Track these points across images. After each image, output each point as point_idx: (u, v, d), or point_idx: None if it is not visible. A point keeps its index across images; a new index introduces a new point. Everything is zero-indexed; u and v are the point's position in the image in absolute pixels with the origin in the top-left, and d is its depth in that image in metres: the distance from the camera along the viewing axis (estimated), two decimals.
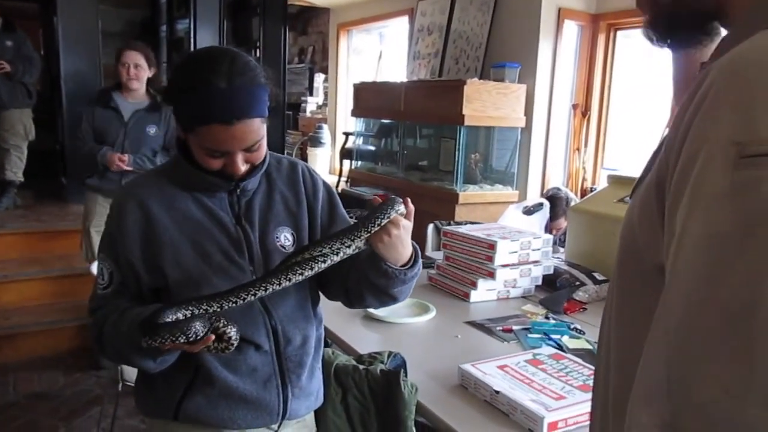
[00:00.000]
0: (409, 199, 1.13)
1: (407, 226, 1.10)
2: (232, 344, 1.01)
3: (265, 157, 1.17)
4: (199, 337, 0.96)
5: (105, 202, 3.02)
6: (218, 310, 1.01)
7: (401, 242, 1.10)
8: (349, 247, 1.07)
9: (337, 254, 1.07)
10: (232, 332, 1.01)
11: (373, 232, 1.07)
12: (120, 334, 1.06)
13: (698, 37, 0.65)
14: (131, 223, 1.11)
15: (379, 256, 1.10)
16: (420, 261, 1.17)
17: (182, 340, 0.95)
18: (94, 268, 2.12)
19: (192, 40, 5.02)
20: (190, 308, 1.00)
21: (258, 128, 1.08)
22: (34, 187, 4.98)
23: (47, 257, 3.93)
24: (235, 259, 1.14)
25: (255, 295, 1.03)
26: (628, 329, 0.62)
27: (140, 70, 3.09)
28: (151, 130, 3.10)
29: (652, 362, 0.50)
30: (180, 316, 0.99)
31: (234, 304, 1.02)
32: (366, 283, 1.16)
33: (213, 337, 0.98)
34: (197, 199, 1.15)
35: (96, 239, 2.96)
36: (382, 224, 1.07)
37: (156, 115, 3.14)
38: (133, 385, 2.16)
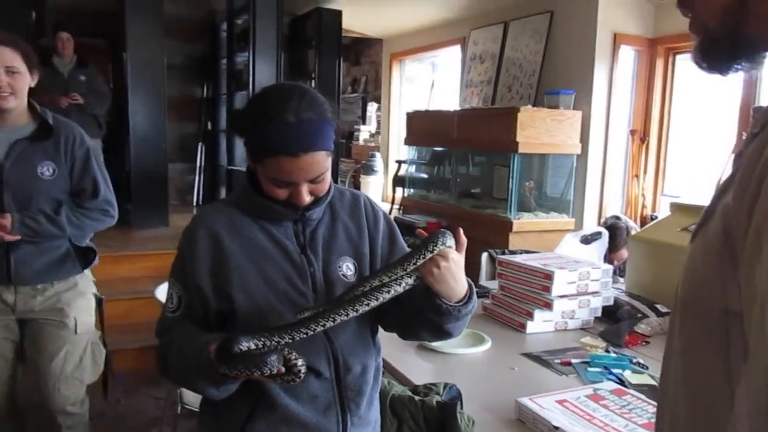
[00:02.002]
0: (461, 231, 1.13)
1: (456, 258, 1.10)
2: (300, 377, 1.03)
3: (329, 189, 1.20)
4: (273, 371, 0.98)
5: None
6: (289, 341, 1.03)
7: (452, 276, 1.10)
8: (402, 278, 1.08)
9: (399, 284, 1.08)
10: (301, 365, 1.03)
11: (418, 264, 1.08)
12: (187, 358, 1.09)
13: (747, 65, 0.63)
14: (201, 249, 1.16)
15: (433, 291, 1.11)
16: (474, 298, 1.17)
17: (257, 374, 0.98)
18: (159, 292, 2.20)
19: (251, 72, 5.19)
20: (262, 339, 1.02)
21: (323, 161, 1.12)
22: None
23: (112, 280, 4.07)
24: (298, 287, 1.17)
25: (324, 326, 1.05)
26: (694, 372, 0.60)
27: (17, 78, 1.91)
28: (45, 169, 1.99)
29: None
30: (252, 345, 1.01)
31: (304, 335, 1.04)
32: (420, 317, 1.16)
33: (284, 369, 1.00)
34: (263, 228, 1.19)
35: None
36: (427, 257, 1.08)
37: (50, 144, 2.01)
38: (191, 408, 2.21)
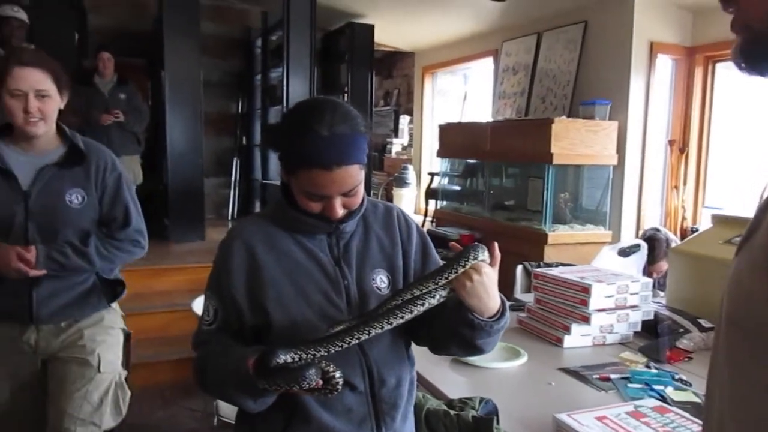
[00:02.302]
0: (496, 245, 1.12)
1: (490, 273, 1.09)
2: (338, 389, 1.03)
3: (362, 201, 1.21)
4: (312, 385, 0.99)
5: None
6: (325, 354, 1.04)
7: (485, 290, 1.09)
8: (436, 291, 1.08)
9: (433, 296, 1.07)
10: (339, 377, 1.03)
11: (452, 277, 1.07)
12: (224, 371, 1.09)
13: None
14: (237, 262, 1.17)
15: (465, 306, 1.10)
16: (507, 315, 1.16)
17: (296, 388, 0.98)
18: (196, 305, 2.22)
19: (285, 87, 5.26)
20: (298, 352, 1.03)
21: (356, 174, 1.13)
22: None
23: (150, 293, 4.15)
24: (333, 300, 1.17)
25: (359, 339, 1.05)
26: (741, 389, 0.58)
27: (47, 102, 1.77)
28: (74, 197, 1.83)
29: None
30: (289, 359, 1.02)
31: (340, 348, 1.05)
32: (451, 332, 1.16)
33: (321, 382, 1.01)
34: (298, 241, 1.20)
35: None
36: (460, 271, 1.07)
37: (80, 171, 1.86)
38: (227, 420, 2.22)
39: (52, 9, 4.58)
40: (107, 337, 1.97)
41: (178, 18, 4.90)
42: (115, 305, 2.06)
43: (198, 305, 2.14)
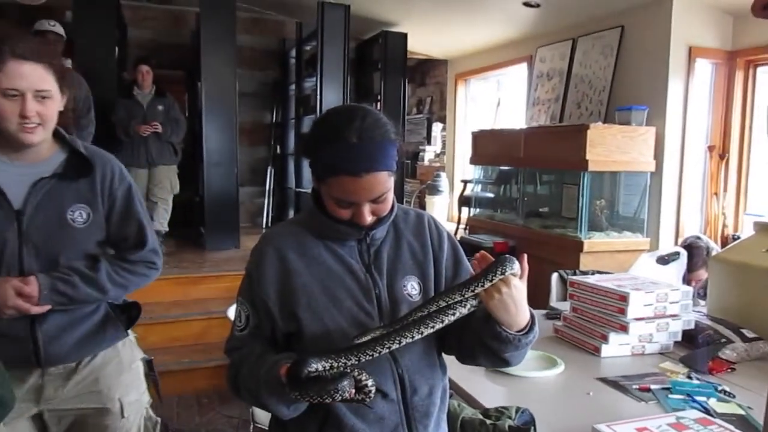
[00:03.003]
0: (525, 257, 1.11)
1: (519, 286, 1.08)
2: (370, 397, 1.03)
3: (392, 208, 1.21)
4: (345, 396, 0.99)
5: None
6: (356, 363, 1.04)
7: (513, 302, 1.08)
8: (467, 300, 1.07)
9: (464, 306, 1.07)
10: (372, 385, 1.03)
11: (482, 288, 1.07)
12: (257, 378, 1.10)
13: None
14: (268, 268, 1.18)
15: (494, 319, 1.09)
16: (536, 329, 1.14)
17: (329, 401, 0.99)
18: (231, 312, 2.25)
19: (318, 97, 5.32)
20: (330, 360, 1.03)
21: (385, 181, 1.13)
22: (176, 236, 5.44)
23: (186, 301, 4.23)
24: (364, 306, 1.17)
25: (390, 348, 1.06)
26: None
27: (48, 105, 1.46)
28: (78, 214, 1.54)
29: None
30: (320, 367, 1.02)
31: (371, 357, 1.05)
32: (479, 343, 1.15)
33: (354, 391, 1.01)
34: (329, 247, 1.21)
35: None
36: (493, 282, 1.07)
37: (83, 182, 1.56)
38: (263, 426, 2.24)
39: (94, 24, 4.73)
40: (127, 376, 1.69)
41: (215, 31, 5.01)
42: (130, 333, 1.76)
43: (233, 312, 2.17)
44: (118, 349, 1.67)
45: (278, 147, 6.91)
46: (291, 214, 6.55)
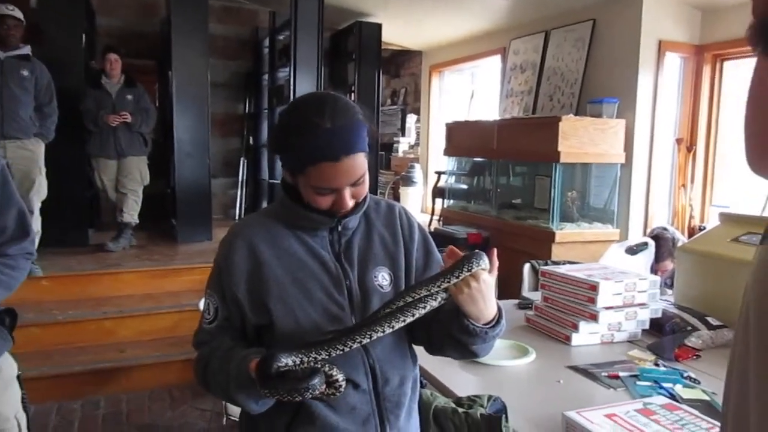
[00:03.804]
0: (495, 252, 1.12)
1: (488, 280, 1.09)
2: (340, 392, 1.03)
3: (365, 197, 1.21)
4: (316, 394, 0.99)
5: None
6: (326, 357, 1.04)
7: (482, 297, 1.09)
8: (438, 294, 1.08)
9: (434, 299, 1.08)
10: (342, 380, 1.03)
11: (453, 283, 1.08)
12: (226, 373, 1.09)
13: None
14: (238, 259, 1.17)
15: (462, 311, 1.10)
16: (503, 322, 1.16)
17: (299, 398, 0.98)
18: (202, 304, 2.23)
19: (292, 87, 5.28)
20: (300, 355, 1.02)
21: (362, 163, 1.13)
22: (147, 228, 5.36)
23: (158, 294, 4.18)
24: (334, 297, 1.17)
25: (360, 342, 1.05)
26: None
27: None
28: None
29: None
30: (290, 362, 1.01)
31: (341, 352, 1.05)
32: (448, 336, 1.16)
33: (324, 387, 1.01)
34: (299, 238, 1.20)
35: None
36: (462, 277, 1.07)
37: None
38: (236, 419, 2.23)
39: (61, 10, 4.61)
40: (12, 391, 1.50)
41: (186, 19, 4.92)
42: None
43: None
44: (1, 362, 1.45)
45: (251, 138, 6.84)
46: (264, 205, 6.50)
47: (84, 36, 4.92)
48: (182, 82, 4.96)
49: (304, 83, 5.23)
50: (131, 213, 4.77)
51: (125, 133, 4.63)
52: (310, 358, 1.03)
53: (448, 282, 1.08)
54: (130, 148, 4.70)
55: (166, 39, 5.23)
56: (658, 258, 3.09)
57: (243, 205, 6.70)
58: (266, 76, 6.43)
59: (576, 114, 4.15)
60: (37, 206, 3.97)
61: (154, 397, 3.46)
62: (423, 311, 1.08)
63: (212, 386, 1.15)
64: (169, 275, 4.29)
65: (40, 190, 3.99)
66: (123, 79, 4.72)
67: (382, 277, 1.22)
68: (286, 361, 1.01)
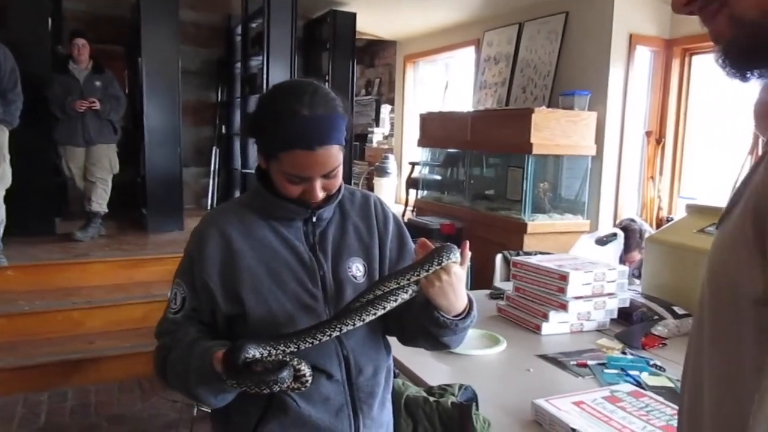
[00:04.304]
0: (467, 245, 1.12)
1: (459, 273, 1.10)
2: (306, 386, 1.03)
3: (339, 188, 1.20)
4: (284, 387, 0.98)
5: None
6: (296, 350, 1.03)
7: (453, 290, 1.09)
8: (409, 286, 1.08)
9: (406, 292, 1.08)
10: (309, 375, 1.02)
11: (425, 275, 1.08)
12: (187, 364, 1.08)
13: None
14: (211, 249, 1.15)
15: (433, 305, 1.10)
16: (474, 314, 1.16)
17: (266, 391, 0.97)
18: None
19: (265, 76, 5.22)
20: (268, 348, 1.01)
21: (336, 155, 1.12)
22: (117, 218, 5.26)
23: (128, 284, 4.12)
24: (308, 287, 1.16)
25: (330, 335, 1.05)
26: (725, 371, 0.59)
27: None
28: None
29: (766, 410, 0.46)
30: (258, 354, 1.00)
31: (311, 344, 1.04)
32: (419, 328, 1.16)
33: (291, 381, 1.00)
34: (274, 228, 1.19)
35: None
36: (432, 270, 1.07)
37: None
38: (207, 410, 2.22)
39: None
40: None
41: (156, 4, 4.83)
42: None
43: None
44: None
45: (224, 127, 6.76)
46: (237, 194, 6.43)
47: (50, 20, 4.79)
48: (152, 69, 4.87)
49: (278, 72, 5.18)
50: (100, 202, 4.68)
51: (94, 120, 4.53)
52: (279, 350, 1.02)
53: (419, 275, 1.08)
54: (99, 135, 4.60)
55: (135, 24, 5.12)
56: (627, 249, 3.15)
57: (215, 195, 6.63)
58: (239, 65, 6.35)
59: (548, 106, 4.19)
60: (1, 194, 3.87)
61: (123, 389, 3.41)
62: (394, 304, 1.08)
63: (170, 377, 1.13)
64: (139, 265, 4.23)
65: (5, 178, 3.89)
66: (91, 65, 4.61)
67: (356, 268, 1.22)
68: (254, 352, 1.00)
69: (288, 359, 1.01)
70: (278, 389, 0.98)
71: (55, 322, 3.66)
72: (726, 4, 0.57)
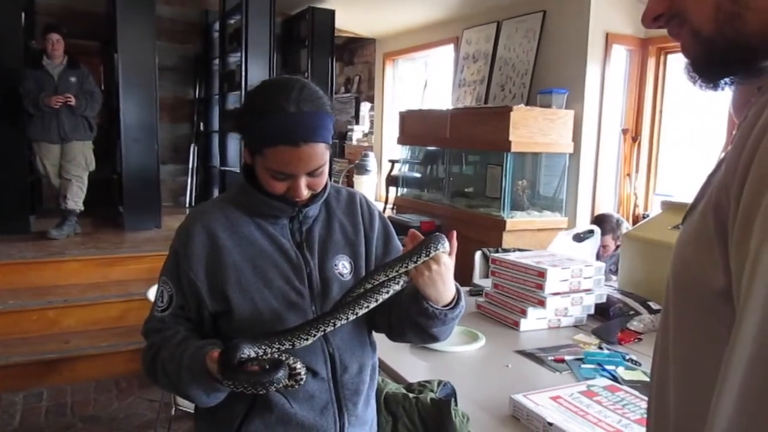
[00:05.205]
0: (455, 234, 1.13)
1: (448, 263, 1.10)
2: (300, 383, 1.02)
3: (325, 186, 1.20)
4: (280, 387, 0.98)
5: None
6: (290, 348, 1.03)
7: (442, 280, 1.10)
8: (400, 278, 1.08)
9: (397, 283, 1.08)
10: (304, 373, 1.02)
11: (415, 266, 1.08)
12: (179, 363, 1.07)
13: (748, 76, 0.58)
14: (197, 246, 1.14)
15: (421, 294, 1.11)
16: (462, 304, 1.17)
17: (263, 391, 0.97)
18: (151, 294, 2.17)
19: (243, 73, 5.18)
20: (263, 346, 1.01)
21: (322, 153, 1.12)
22: (93, 215, 5.19)
23: (105, 283, 4.07)
24: (295, 285, 1.16)
25: (324, 331, 1.05)
26: (689, 361, 0.60)
27: None
28: None
29: (726, 398, 0.47)
30: (252, 353, 1.00)
31: (305, 341, 1.04)
32: (408, 320, 1.17)
33: (287, 379, 1.00)
34: (260, 225, 1.18)
35: None
36: (422, 261, 1.08)
37: None
38: (185, 410, 2.20)
39: None
40: None
41: None
42: None
43: (153, 294, 2.09)
44: None
45: (201, 124, 6.70)
46: (216, 193, 6.38)
47: (23, 14, 4.70)
48: (128, 64, 4.81)
49: (256, 69, 5.14)
50: (76, 200, 4.61)
51: (69, 116, 4.46)
52: (274, 349, 1.01)
53: (408, 266, 1.08)
54: (74, 132, 4.53)
55: (110, 19, 5.05)
56: (602, 234, 3.18)
57: (194, 193, 6.57)
58: (216, 61, 6.29)
59: (527, 104, 4.22)
60: None
61: (99, 389, 3.37)
62: (386, 296, 1.08)
63: (160, 377, 1.13)
64: (115, 263, 4.18)
65: None
66: (66, 60, 4.53)
67: (343, 266, 1.22)
68: (249, 351, 0.99)
69: (283, 358, 1.01)
70: (275, 389, 0.97)
71: (30, 321, 3.61)
72: (687, 20, 0.58)
